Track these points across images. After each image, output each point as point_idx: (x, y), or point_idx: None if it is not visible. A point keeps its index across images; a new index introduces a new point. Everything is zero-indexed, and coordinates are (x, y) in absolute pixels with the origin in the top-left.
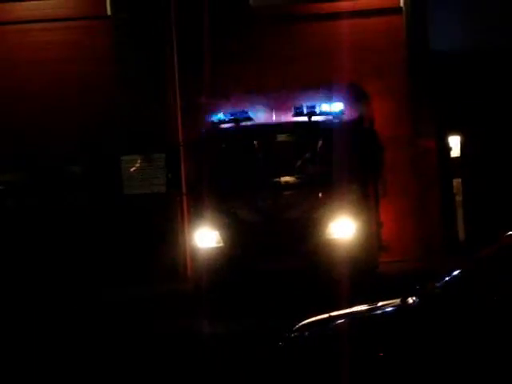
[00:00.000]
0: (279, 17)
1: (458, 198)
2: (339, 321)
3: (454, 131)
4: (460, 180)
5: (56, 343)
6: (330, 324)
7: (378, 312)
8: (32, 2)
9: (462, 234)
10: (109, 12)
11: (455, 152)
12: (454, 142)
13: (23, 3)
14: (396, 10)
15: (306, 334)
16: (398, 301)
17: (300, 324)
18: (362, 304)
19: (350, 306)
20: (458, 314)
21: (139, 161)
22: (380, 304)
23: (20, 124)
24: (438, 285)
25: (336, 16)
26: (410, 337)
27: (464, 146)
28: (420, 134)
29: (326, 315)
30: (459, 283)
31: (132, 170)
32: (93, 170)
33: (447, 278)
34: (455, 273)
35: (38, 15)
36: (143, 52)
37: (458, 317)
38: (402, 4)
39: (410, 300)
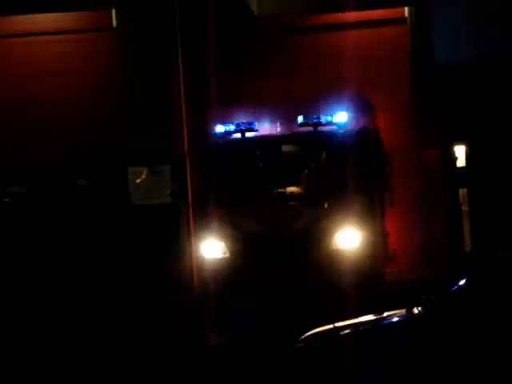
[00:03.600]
0: (284, 27)
1: (464, 208)
2: (345, 331)
3: (460, 141)
4: (466, 190)
5: (60, 353)
6: (336, 334)
7: (384, 322)
8: (38, 15)
9: (468, 244)
10: (114, 24)
11: (461, 162)
12: (460, 152)
13: (29, 16)
14: (401, 21)
15: (312, 344)
16: (403, 311)
17: (305, 335)
18: (369, 314)
19: (357, 316)
20: (462, 324)
21: (145, 172)
22: (385, 314)
23: (25, 135)
24: (443, 295)
25: (341, 27)
26: (415, 347)
27: (469, 156)
28: (425, 145)
29: (330, 326)
30: (464, 293)
31: (138, 181)
32: (99, 182)
33: (453, 289)
34: (461, 283)
35: (44, 28)
36: (149, 64)
37: (462, 327)
38: (406, 15)
39: (416, 310)
